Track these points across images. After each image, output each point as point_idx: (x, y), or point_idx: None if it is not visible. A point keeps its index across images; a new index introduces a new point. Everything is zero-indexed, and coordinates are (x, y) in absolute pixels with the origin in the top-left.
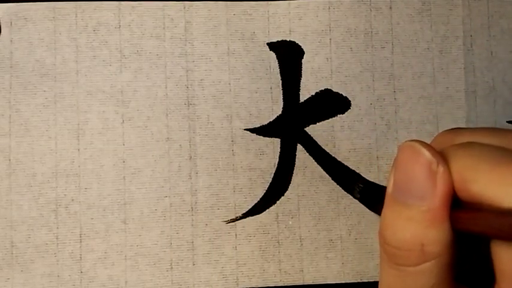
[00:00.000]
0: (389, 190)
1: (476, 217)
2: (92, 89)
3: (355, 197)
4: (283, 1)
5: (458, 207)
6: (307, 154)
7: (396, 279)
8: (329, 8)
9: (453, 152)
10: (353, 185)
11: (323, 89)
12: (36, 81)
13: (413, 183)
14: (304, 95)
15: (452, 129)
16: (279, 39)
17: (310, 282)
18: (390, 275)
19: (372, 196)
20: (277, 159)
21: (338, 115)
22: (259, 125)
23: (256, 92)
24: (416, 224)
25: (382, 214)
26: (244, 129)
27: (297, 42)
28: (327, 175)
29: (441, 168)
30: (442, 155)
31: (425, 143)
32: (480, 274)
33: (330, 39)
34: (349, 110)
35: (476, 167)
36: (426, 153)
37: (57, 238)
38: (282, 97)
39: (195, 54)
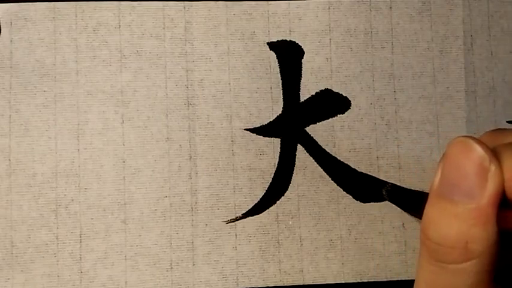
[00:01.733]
0: (435, 185)
1: None
2: (92, 89)
3: (383, 197)
4: (283, 1)
5: (505, 205)
6: (307, 154)
7: (435, 276)
8: (329, 8)
9: (505, 150)
10: (380, 188)
11: (323, 89)
12: (36, 81)
13: (462, 180)
14: (304, 95)
15: (498, 129)
16: (279, 39)
17: (310, 282)
18: (429, 271)
19: (400, 195)
20: (277, 159)
21: (338, 115)
22: (259, 125)
23: (256, 92)
24: (461, 221)
25: (425, 209)
26: (244, 129)
27: (297, 42)
28: (327, 175)
29: (493, 166)
30: (493, 153)
31: (477, 139)
32: None
33: (330, 39)
34: (349, 110)
35: None
36: (479, 150)
37: (57, 238)
38: (282, 97)
39: (195, 54)
